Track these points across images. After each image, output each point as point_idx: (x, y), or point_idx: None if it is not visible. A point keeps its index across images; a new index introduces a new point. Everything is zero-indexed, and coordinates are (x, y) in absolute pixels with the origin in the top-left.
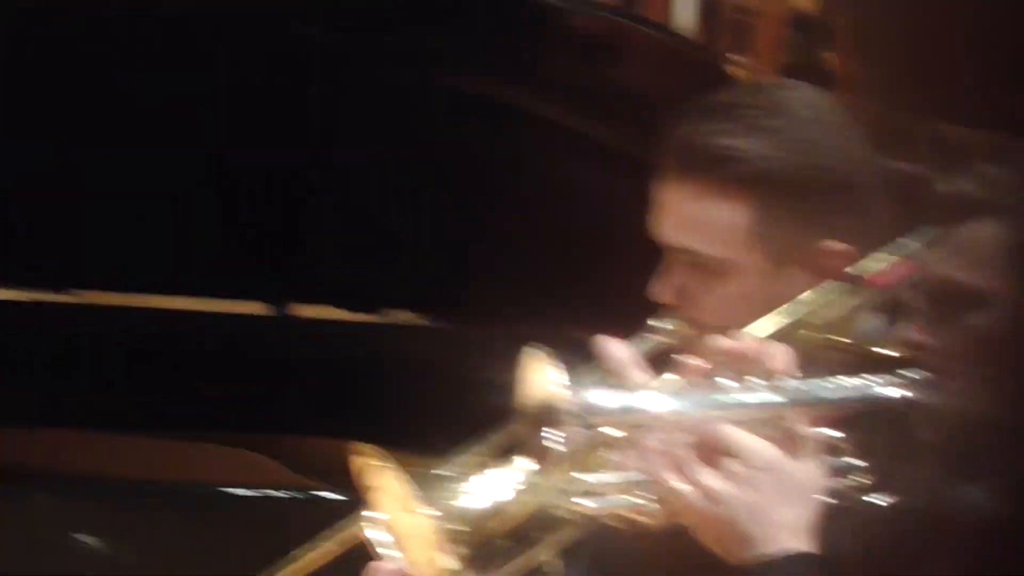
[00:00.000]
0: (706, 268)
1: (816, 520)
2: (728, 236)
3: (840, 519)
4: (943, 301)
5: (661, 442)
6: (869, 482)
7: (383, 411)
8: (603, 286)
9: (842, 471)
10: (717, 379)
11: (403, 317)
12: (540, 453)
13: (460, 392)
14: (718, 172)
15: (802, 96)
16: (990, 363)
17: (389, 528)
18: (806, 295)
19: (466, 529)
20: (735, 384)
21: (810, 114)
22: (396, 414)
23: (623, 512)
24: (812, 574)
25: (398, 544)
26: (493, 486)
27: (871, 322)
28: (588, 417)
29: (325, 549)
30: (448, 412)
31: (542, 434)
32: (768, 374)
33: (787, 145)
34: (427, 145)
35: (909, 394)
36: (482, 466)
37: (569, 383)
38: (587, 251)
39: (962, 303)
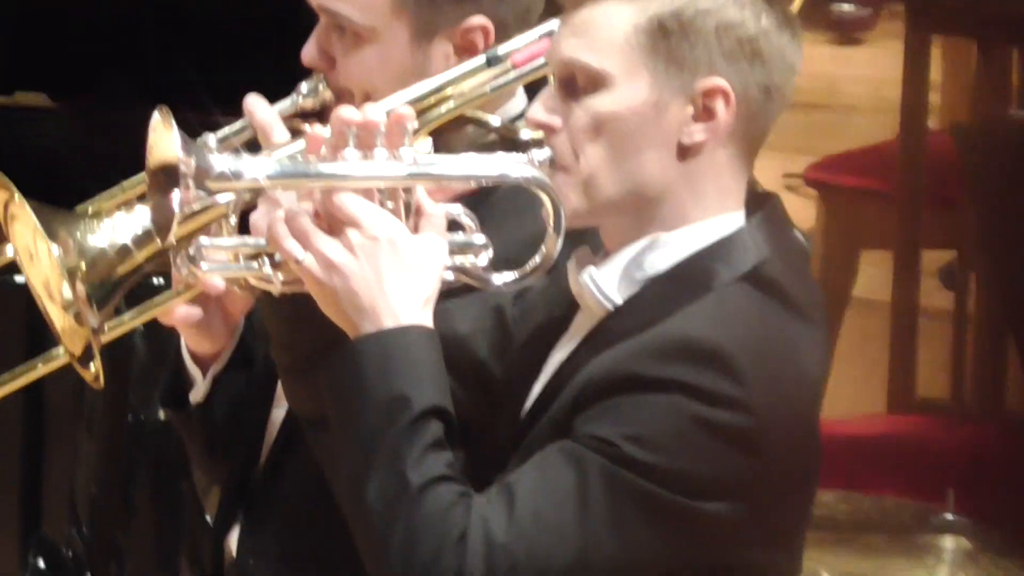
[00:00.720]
0: (352, 33)
1: (434, 295)
2: (371, 1)
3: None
4: (569, 82)
5: (286, 210)
6: (490, 259)
7: None
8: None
9: (466, 247)
10: (344, 150)
11: (33, 99)
12: (162, 217)
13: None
14: None
15: None
16: (606, 144)
17: (17, 253)
18: (449, 71)
19: (83, 266)
20: (357, 153)
21: None
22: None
23: (248, 277)
24: (425, 346)
25: (24, 269)
26: (120, 230)
27: (513, 103)
28: (205, 180)
29: None
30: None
31: (163, 198)
32: (392, 146)
33: None
34: None
35: (532, 173)
36: (118, 210)
37: (184, 145)
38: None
39: (588, 84)
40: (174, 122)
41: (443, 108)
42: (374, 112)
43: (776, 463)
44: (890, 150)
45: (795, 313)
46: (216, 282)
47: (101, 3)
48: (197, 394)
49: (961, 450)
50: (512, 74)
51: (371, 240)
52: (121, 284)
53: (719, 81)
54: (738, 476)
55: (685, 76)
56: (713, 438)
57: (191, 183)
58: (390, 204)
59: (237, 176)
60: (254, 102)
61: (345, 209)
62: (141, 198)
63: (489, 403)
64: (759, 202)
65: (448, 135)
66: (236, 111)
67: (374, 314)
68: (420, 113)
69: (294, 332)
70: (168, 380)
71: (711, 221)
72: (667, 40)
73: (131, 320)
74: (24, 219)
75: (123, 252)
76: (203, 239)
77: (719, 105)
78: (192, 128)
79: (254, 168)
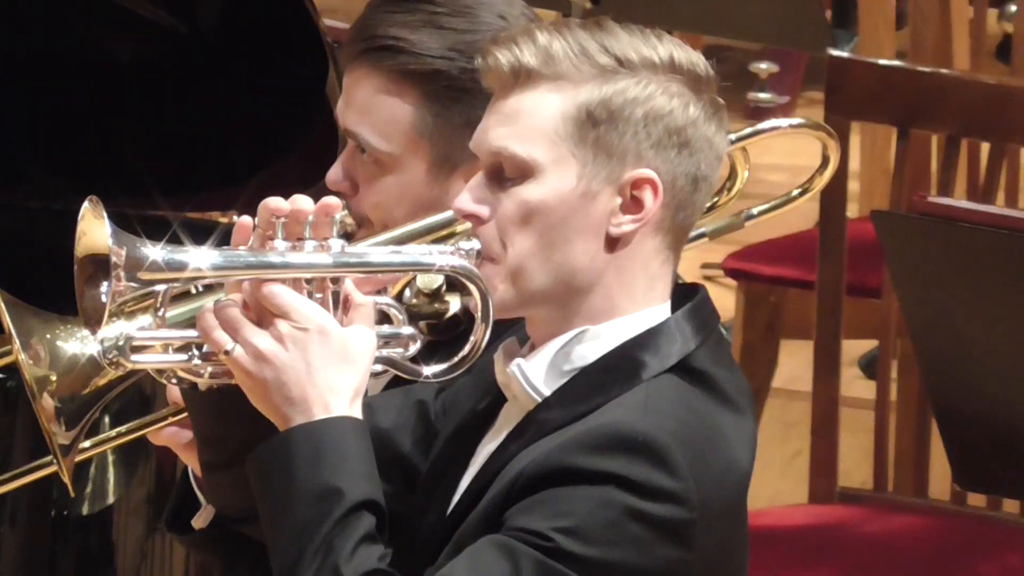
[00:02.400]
0: (373, 160)
1: (363, 387)
2: (393, 129)
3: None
4: (497, 172)
5: (216, 301)
6: (417, 350)
7: None
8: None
9: (394, 339)
10: (272, 241)
11: None
12: (92, 307)
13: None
14: (387, 62)
15: (492, 4)
16: (535, 234)
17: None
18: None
19: (53, 377)
20: (285, 244)
21: (498, 23)
22: None
23: (177, 369)
24: (356, 437)
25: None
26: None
27: None
28: (136, 271)
29: None
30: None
31: (93, 288)
32: (319, 236)
33: (461, 47)
34: None
35: (459, 262)
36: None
37: (115, 235)
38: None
39: (516, 173)
40: (104, 212)
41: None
42: (302, 202)
43: (708, 554)
44: (810, 238)
45: (724, 403)
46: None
47: (30, 95)
48: (199, 520)
49: (886, 540)
50: None
51: (301, 331)
52: (98, 399)
53: (647, 172)
54: (671, 568)
55: (613, 165)
56: (646, 530)
57: (122, 274)
58: (318, 295)
59: (170, 267)
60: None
61: (274, 299)
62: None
63: (414, 497)
64: (686, 294)
65: None
66: (176, 203)
67: (304, 405)
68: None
69: (223, 427)
70: (174, 503)
71: (639, 314)
72: (595, 129)
73: (116, 438)
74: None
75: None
76: (132, 330)
77: (647, 195)
78: (126, 221)
79: (187, 259)
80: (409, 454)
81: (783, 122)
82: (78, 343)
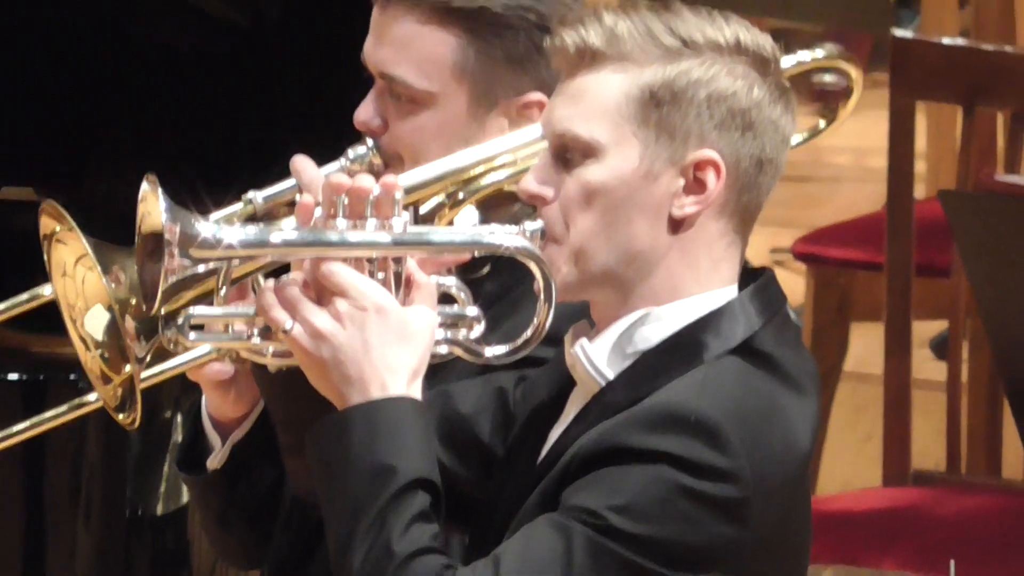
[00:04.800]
0: (408, 98)
1: (423, 367)
2: (432, 67)
3: None
4: (562, 153)
5: (276, 279)
6: (482, 331)
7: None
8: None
9: (457, 320)
10: (334, 220)
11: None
12: (150, 284)
13: None
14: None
15: None
16: (597, 215)
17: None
18: (504, 138)
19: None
20: (346, 222)
21: None
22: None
23: (238, 348)
24: (413, 417)
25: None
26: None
27: None
28: (189, 248)
29: None
30: None
31: (151, 266)
32: (382, 215)
33: None
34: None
35: (522, 243)
36: None
37: (168, 210)
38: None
39: (579, 154)
40: (161, 190)
41: (490, 179)
42: (364, 180)
43: (764, 534)
44: (878, 220)
45: (786, 384)
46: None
47: (87, 94)
48: (215, 460)
49: (960, 521)
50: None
51: (360, 310)
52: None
53: (710, 153)
54: (724, 547)
55: (676, 147)
56: (699, 508)
57: (175, 251)
58: (380, 275)
59: (221, 244)
60: (302, 163)
61: (333, 278)
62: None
63: (491, 483)
64: (753, 276)
65: (494, 211)
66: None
67: (361, 384)
68: (468, 181)
69: (294, 408)
70: (185, 443)
71: (703, 296)
72: (658, 110)
73: (169, 369)
74: (72, 246)
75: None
76: (192, 308)
77: (710, 177)
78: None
79: (239, 236)
80: (488, 440)
81: (805, 55)
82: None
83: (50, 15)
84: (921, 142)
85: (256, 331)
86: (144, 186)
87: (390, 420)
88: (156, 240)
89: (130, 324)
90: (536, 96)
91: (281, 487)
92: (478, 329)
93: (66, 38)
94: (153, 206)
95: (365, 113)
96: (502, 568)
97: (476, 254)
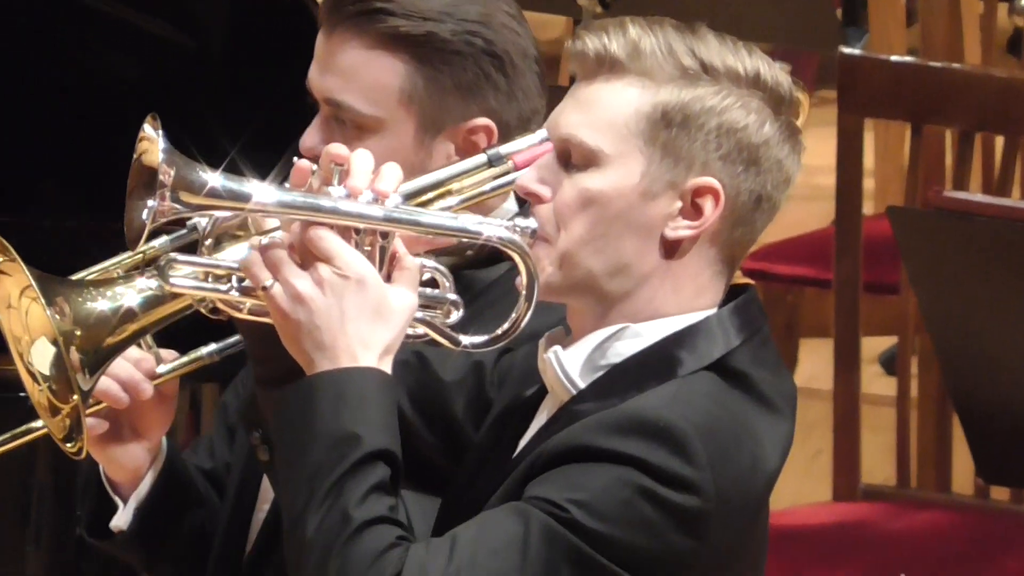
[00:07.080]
0: (355, 125)
1: (396, 345)
2: (379, 94)
3: None
4: (565, 155)
5: (262, 238)
6: (459, 317)
7: None
8: None
9: (436, 303)
10: (328, 187)
11: None
12: (135, 222)
13: None
14: (378, 24)
15: None
16: (590, 222)
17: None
18: (451, 166)
19: (78, 332)
20: (341, 190)
21: None
22: None
23: (216, 299)
24: (380, 390)
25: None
26: (118, 298)
27: (506, 204)
28: (181, 193)
29: None
30: None
31: (138, 203)
32: (381, 193)
33: (452, 9)
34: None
35: (510, 236)
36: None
37: (166, 151)
38: None
39: (581, 160)
40: (162, 130)
41: (440, 205)
42: (363, 155)
43: (720, 550)
44: (826, 237)
45: (760, 404)
46: (117, 394)
47: (31, 125)
48: (120, 520)
49: (910, 536)
50: (512, 175)
51: (341, 278)
52: (112, 354)
53: (711, 181)
54: (678, 558)
55: (679, 170)
56: (659, 515)
57: (167, 193)
58: (367, 248)
59: (214, 194)
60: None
61: (321, 243)
62: (132, 270)
63: (457, 476)
64: (735, 293)
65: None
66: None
67: (332, 352)
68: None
69: (270, 348)
70: (90, 508)
71: (682, 316)
72: (668, 131)
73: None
74: (16, 278)
75: (121, 318)
76: (174, 253)
77: (708, 204)
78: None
79: (234, 187)
80: (460, 416)
81: None
82: (107, 301)
83: None
84: (869, 160)
85: (236, 285)
86: (145, 126)
87: (358, 389)
88: (149, 178)
89: (75, 357)
90: (483, 121)
91: (204, 530)
92: (455, 315)
93: (9, 69)
94: (151, 144)
95: (311, 139)
96: (457, 547)
97: (463, 239)
